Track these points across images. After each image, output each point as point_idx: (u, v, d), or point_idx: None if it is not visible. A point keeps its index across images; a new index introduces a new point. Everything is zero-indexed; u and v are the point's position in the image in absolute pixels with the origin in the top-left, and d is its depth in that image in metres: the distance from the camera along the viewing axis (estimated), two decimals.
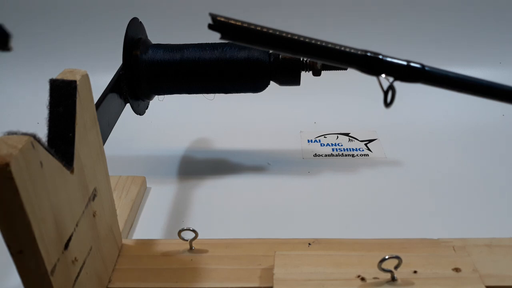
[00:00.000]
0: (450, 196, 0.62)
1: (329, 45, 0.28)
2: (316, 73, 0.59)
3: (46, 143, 0.31)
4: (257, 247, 0.48)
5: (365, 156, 0.73)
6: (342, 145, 0.76)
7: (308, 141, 0.77)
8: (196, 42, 0.59)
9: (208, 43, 0.59)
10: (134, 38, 0.59)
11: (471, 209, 0.60)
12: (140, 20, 0.61)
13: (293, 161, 0.72)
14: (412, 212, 0.59)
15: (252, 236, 0.51)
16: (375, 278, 0.43)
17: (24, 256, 0.29)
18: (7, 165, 0.26)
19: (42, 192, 0.29)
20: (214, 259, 0.46)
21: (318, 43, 0.28)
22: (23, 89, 0.94)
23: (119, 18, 0.64)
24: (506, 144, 0.74)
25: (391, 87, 0.29)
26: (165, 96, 0.64)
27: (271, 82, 0.60)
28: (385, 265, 0.41)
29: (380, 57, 0.29)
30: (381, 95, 0.33)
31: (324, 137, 0.78)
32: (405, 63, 0.29)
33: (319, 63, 0.58)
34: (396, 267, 0.42)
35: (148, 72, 0.58)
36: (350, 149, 0.75)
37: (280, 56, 0.58)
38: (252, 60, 0.57)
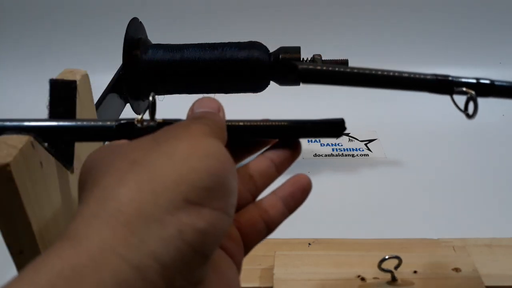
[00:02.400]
0: (450, 196, 0.62)
1: (403, 75, 0.30)
2: None
3: (46, 143, 0.31)
4: (257, 247, 0.48)
5: (365, 156, 0.73)
6: (342, 145, 0.76)
7: (308, 141, 0.77)
8: (196, 42, 0.59)
9: (208, 43, 0.59)
10: (134, 38, 0.59)
11: (471, 209, 0.60)
12: (140, 20, 0.61)
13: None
14: (412, 212, 0.59)
15: None
16: (375, 278, 0.43)
17: (24, 256, 0.29)
18: (7, 165, 0.26)
19: (42, 192, 0.29)
20: None
21: (391, 74, 0.30)
22: (23, 89, 0.94)
23: (119, 18, 0.64)
24: (506, 144, 0.74)
25: (471, 98, 0.30)
26: (165, 96, 0.64)
27: (271, 82, 0.60)
28: (385, 265, 0.41)
29: (450, 78, 0.31)
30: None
31: None
32: (474, 81, 0.31)
33: (319, 62, 0.58)
34: (396, 267, 0.42)
35: (148, 72, 0.58)
36: (350, 149, 0.75)
37: (280, 56, 0.58)
38: (252, 60, 0.57)
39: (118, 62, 0.58)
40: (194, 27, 0.91)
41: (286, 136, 0.32)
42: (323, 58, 0.59)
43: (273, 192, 0.31)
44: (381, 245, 0.47)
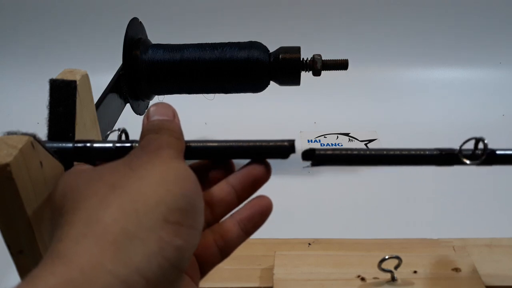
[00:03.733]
0: (450, 196, 0.62)
1: (412, 152, 0.33)
2: (316, 73, 0.59)
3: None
4: (257, 247, 0.48)
5: None
6: (342, 145, 0.76)
7: (308, 141, 0.77)
8: (196, 42, 0.59)
9: (208, 43, 0.59)
10: (134, 38, 0.59)
11: (471, 209, 0.60)
12: (140, 20, 0.61)
13: (293, 161, 0.72)
14: (412, 212, 0.59)
15: (252, 236, 0.50)
16: (375, 278, 0.43)
17: (24, 256, 0.29)
18: (7, 165, 0.26)
19: (42, 192, 0.29)
20: None
21: (397, 152, 0.33)
22: (23, 89, 0.94)
23: (119, 18, 0.64)
24: (506, 144, 0.74)
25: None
26: (165, 96, 0.64)
27: (271, 82, 0.60)
28: (385, 265, 0.41)
29: (456, 152, 0.33)
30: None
31: (324, 137, 0.78)
32: (478, 152, 0.34)
33: (319, 62, 0.58)
34: (396, 267, 0.42)
35: (148, 72, 0.58)
36: None
37: (280, 56, 0.58)
38: (252, 60, 0.57)
39: (118, 62, 0.58)
40: (194, 27, 0.91)
41: (235, 156, 0.32)
42: (323, 58, 0.59)
43: (232, 215, 0.31)
44: (381, 245, 0.47)
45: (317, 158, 0.32)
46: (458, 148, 0.33)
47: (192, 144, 0.31)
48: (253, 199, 0.32)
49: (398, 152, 0.33)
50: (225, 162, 0.32)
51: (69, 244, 0.21)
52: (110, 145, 0.31)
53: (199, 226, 0.25)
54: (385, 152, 0.33)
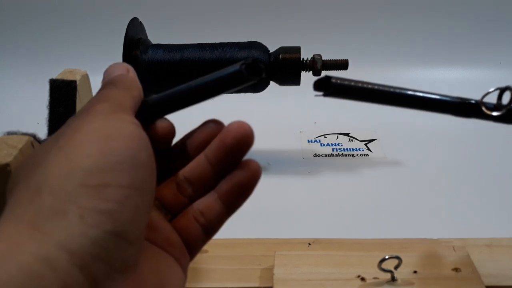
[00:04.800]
0: (450, 196, 0.62)
1: (431, 96, 0.32)
2: (316, 73, 0.59)
3: None
4: (257, 247, 0.48)
5: (365, 156, 0.73)
6: (342, 145, 0.76)
7: (308, 141, 0.77)
8: (196, 42, 0.59)
9: (208, 43, 0.59)
10: (134, 38, 0.59)
11: (471, 209, 0.60)
12: (140, 20, 0.61)
13: (293, 161, 0.72)
14: (412, 212, 0.59)
15: (252, 236, 0.50)
16: (375, 278, 0.43)
17: None
18: (7, 165, 0.26)
19: None
20: (214, 259, 0.46)
21: (418, 94, 0.32)
22: (23, 89, 0.94)
23: (119, 18, 0.64)
24: (506, 144, 0.74)
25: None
26: None
27: (271, 82, 0.60)
28: (385, 265, 0.41)
29: (473, 101, 0.31)
30: None
31: (324, 137, 0.78)
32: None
33: (319, 62, 0.58)
34: (396, 267, 0.42)
35: (148, 72, 0.58)
36: (350, 149, 0.75)
37: (280, 56, 0.58)
38: None
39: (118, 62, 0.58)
40: (194, 27, 0.91)
41: (201, 97, 0.28)
42: (323, 58, 0.59)
43: (214, 190, 0.28)
44: (381, 245, 0.47)
45: (333, 87, 0.29)
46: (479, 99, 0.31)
47: (148, 99, 0.27)
48: (238, 167, 0.28)
49: (418, 94, 0.32)
50: (210, 123, 0.30)
51: None
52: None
53: (138, 183, 0.22)
54: (404, 92, 0.32)
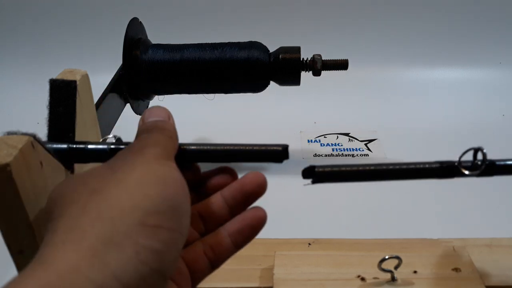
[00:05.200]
0: (450, 196, 0.62)
1: (412, 167, 0.35)
2: (316, 73, 0.59)
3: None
4: (257, 247, 0.48)
5: (365, 156, 0.73)
6: (342, 145, 0.76)
7: (308, 141, 0.77)
8: (196, 42, 0.59)
9: (208, 43, 0.59)
10: (134, 38, 0.59)
11: (471, 209, 0.60)
12: (140, 20, 0.61)
13: (293, 161, 0.72)
14: (412, 212, 0.59)
15: None
16: (375, 278, 0.43)
17: (24, 256, 0.29)
18: (7, 165, 0.26)
19: (42, 192, 0.29)
20: None
21: (398, 167, 0.34)
22: (23, 89, 0.94)
23: (119, 18, 0.64)
24: (506, 144, 0.74)
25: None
26: (165, 96, 0.64)
27: (271, 82, 0.60)
28: (385, 265, 0.41)
29: (456, 164, 0.35)
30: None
31: (324, 137, 0.78)
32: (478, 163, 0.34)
33: (319, 62, 0.58)
34: (396, 267, 0.42)
35: (148, 72, 0.58)
36: (350, 149, 0.75)
37: (280, 56, 0.58)
38: (252, 60, 0.57)
39: (118, 62, 0.58)
40: (194, 27, 0.91)
41: (232, 160, 0.32)
42: (323, 58, 0.59)
43: (224, 227, 0.31)
44: (381, 245, 0.47)
45: (317, 175, 0.32)
46: (457, 160, 0.34)
47: (187, 147, 0.31)
48: (247, 210, 0.31)
49: (398, 167, 0.34)
50: (227, 171, 0.32)
51: (51, 250, 0.22)
52: (105, 147, 0.31)
53: (182, 229, 0.25)
54: (385, 167, 0.34)
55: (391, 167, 0.33)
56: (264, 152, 0.32)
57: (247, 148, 0.32)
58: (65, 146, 0.31)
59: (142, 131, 0.29)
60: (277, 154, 0.33)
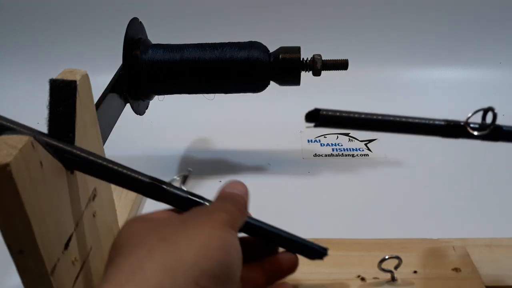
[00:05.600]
0: (450, 196, 0.62)
1: (417, 121, 0.33)
2: (316, 73, 0.59)
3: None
4: None
5: (365, 156, 0.73)
6: (342, 145, 0.76)
7: (308, 141, 0.77)
8: (196, 42, 0.59)
9: (208, 43, 0.59)
10: (134, 38, 0.59)
11: (471, 209, 0.60)
12: (140, 20, 0.61)
13: (293, 161, 0.72)
14: (412, 212, 0.59)
15: None
16: (375, 278, 0.43)
17: (24, 256, 0.29)
18: (7, 165, 0.26)
19: (42, 192, 0.29)
20: None
21: (404, 120, 0.33)
22: (23, 89, 0.94)
23: (119, 18, 0.64)
24: (506, 144, 0.74)
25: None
26: (165, 96, 0.64)
27: (271, 82, 0.60)
28: (385, 265, 0.41)
29: (462, 123, 0.33)
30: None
31: (324, 137, 0.78)
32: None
33: (319, 62, 0.58)
34: (396, 267, 0.42)
35: (148, 72, 0.58)
36: (350, 149, 0.75)
37: (280, 56, 0.58)
38: (252, 60, 0.57)
39: (118, 62, 0.58)
40: (194, 27, 0.91)
41: (281, 245, 0.37)
42: (323, 58, 0.59)
43: None
44: (381, 245, 0.47)
45: (321, 119, 0.32)
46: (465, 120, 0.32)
47: (250, 220, 0.35)
48: (276, 284, 0.35)
49: (404, 120, 0.33)
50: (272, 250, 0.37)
51: (114, 286, 0.25)
52: (184, 194, 0.33)
53: None
54: (391, 119, 0.33)
55: (397, 118, 0.33)
56: (309, 248, 0.38)
57: (297, 240, 0.38)
58: (147, 180, 0.33)
59: (220, 197, 0.33)
60: (318, 253, 0.38)
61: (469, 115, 0.32)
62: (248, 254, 0.33)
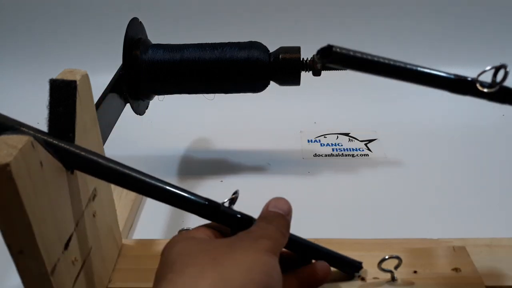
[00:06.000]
0: (450, 196, 0.62)
1: (427, 71, 0.33)
2: (316, 73, 0.59)
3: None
4: None
5: (365, 156, 0.73)
6: (342, 145, 0.76)
7: (308, 141, 0.77)
8: (196, 42, 0.59)
9: (208, 43, 0.59)
10: (134, 38, 0.59)
11: (471, 209, 0.60)
12: (140, 20, 0.61)
13: (293, 161, 0.72)
14: (412, 212, 0.59)
15: None
16: (375, 278, 0.43)
17: (24, 256, 0.29)
18: (7, 165, 0.26)
19: (42, 192, 0.29)
20: None
21: (414, 68, 0.33)
22: (23, 89, 0.94)
23: (119, 18, 0.64)
24: (506, 144, 0.74)
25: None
26: (165, 96, 0.64)
27: (271, 82, 0.60)
28: (385, 265, 0.41)
29: (470, 79, 0.32)
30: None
31: (324, 137, 0.78)
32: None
33: (319, 63, 0.58)
34: (396, 267, 0.42)
35: (148, 72, 0.58)
36: (350, 149, 0.75)
37: (280, 56, 0.58)
38: (252, 60, 0.57)
39: (118, 62, 0.58)
40: (194, 27, 0.91)
41: (315, 258, 0.39)
42: None
43: None
44: (381, 245, 0.47)
45: (334, 55, 0.32)
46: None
47: (291, 236, 0.37)
48: None
49: (415, 68, 0.33)
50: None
51: None
52: (237, 215, 0.35)
53: None
54: (403, 65, 0.33)
55: (408, 66, 0.33)
56: (344, 262, 0.41)
57: (334, 255, 0.40)
58: (202, 201, 0.34)
59: (264, 218, 0.35)
60: (354, 267, 0.42)
61: (481, 72, 0.32)
62: (285, 265, 0.35)
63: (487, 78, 0.33)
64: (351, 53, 0.31)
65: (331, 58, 0.31)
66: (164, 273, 0.30)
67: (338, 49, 0.31)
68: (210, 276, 0.28)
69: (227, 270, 0.29)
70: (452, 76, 0.32)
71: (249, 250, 0.31)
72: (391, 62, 0.32)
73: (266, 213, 0.36)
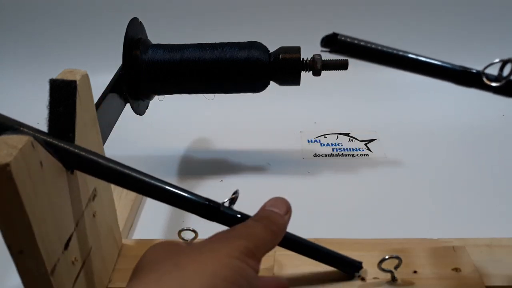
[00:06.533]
0: (450, 196, 0.62)
1: (434, 62, 0.33)
2: (316, 73, 0.59)
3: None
4: None
5: (365, 156, 0.73)
6: (342, 145, 0.76)
7: (308, 141, 0.77)
8: (196, 42, 0.59)
9: (208, 43, 0.59)
10: (134, 38, 0.59)
11: (471, 209, 0.60)
12: (140, 20, 0.61)
13: (293, 161, 0.72)
14: (412, 212, 0.59)
15: None
16: (375, 278, 0.43)
17: (24, 256, 0.29)
18: (7, 165, 0.26)
19: (42, 192, 0.29)
20: None
21: (421, 58, 0.32)
22: (23, 89, 0.94)
23: (119, 18, 0.64)
24: (506, 144, 0.74)
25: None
26: (165, 96, 0.64)
27: (271, 82, 0.60)
28: (385, 265, 0.41)
29: (475, 71, 0.32)
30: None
31: (324, 137, 0.78)
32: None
33: (319, 62, 0.58)
34: (396, 267, 0.42)
35: (148, 72, 0.58)
36: (350, 149, 0.75)
37: (280, 56, 0.58)
38: (252, 60, 0.57)
39: (118, 62, 0.58)
40: (194, 27, 0.91)
41: (315, 258, 0.40)
42: (323, 58, 0.59)
43: None
44: (381, 245, 0.47)
45: (340, 44, 0.31)
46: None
47: (290, 236, 0.37)
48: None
49: (423, 59, 0.32)
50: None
51: None
52: (237, 215, 0.35)
53: None
54: (410, 56, 0.32)
55: (414, 56, 0.32)
56: (343, 262, 0.41)
57: (331, 253, 0.41)
58: (202, 201, 0.34)
59: (255, 216, 0.33)
60: (353, 267, 0.42)
61: (487, 64, 0.32)
62: None
63: (493, 71, 0.33)
64: (356, 41, 0.31)
65: (337, 47, 0.30)
66: (130, 279, 0.28)
67: (343, 37, 0.31)
68: (167, 284, 0.26)
69: (188, 276, 0.26)
70: (458, 68, 0.33)
71: (219, 252, 0.28)
72: (397, 52, 0.31)
73: (260, 212, 0.34)
